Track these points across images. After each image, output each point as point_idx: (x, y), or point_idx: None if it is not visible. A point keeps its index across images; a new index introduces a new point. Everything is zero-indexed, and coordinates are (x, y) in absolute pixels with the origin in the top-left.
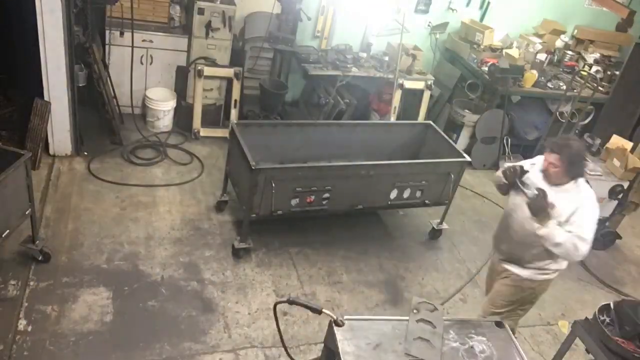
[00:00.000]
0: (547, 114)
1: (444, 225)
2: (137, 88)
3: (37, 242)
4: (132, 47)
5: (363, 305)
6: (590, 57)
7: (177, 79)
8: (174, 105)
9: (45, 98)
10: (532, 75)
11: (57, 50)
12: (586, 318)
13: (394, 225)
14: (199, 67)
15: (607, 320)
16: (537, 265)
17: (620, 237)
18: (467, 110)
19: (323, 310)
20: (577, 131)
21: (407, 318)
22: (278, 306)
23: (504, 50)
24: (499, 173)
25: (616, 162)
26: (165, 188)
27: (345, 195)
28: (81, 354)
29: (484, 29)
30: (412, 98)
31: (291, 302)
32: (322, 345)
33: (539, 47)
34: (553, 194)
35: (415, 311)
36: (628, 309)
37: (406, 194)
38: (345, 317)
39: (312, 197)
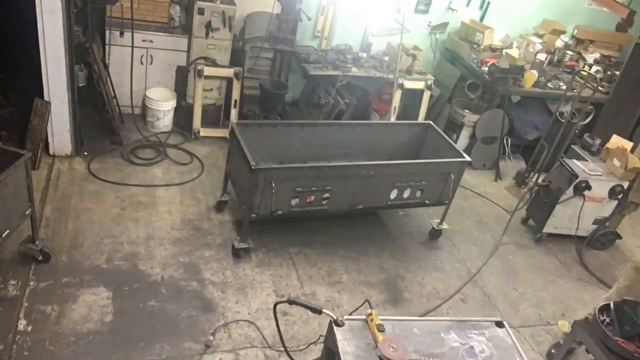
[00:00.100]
0: (547, 114)
1: (444, 225)
2: (137, 88)
3: (37, 242)
4: (132, 47)
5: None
6: (590, 57)
7: (177, 79)
8: (174, 105)
9: (45, 98)
10: (532, 75)
11: (57, 50)
12: (586, 318)
13: (394, 225)
14: (199, 67)
15: (607, 320)
16: None
17: (620, 237)
18: (467, 110)
19: (323, 310)
20: (577, 131)
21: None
22: (278, 306)
23: (504, 50)
24: None
25: (616, 162)
26: (165, 188)
27: (345, 195)
28: (81, 354)
29: (484, 29)
30: (412, 98)
31: (291, 302)
32: (322, 345)
33: (539, 47)
34: None
35: None
36: (628, 309)
37: (406, 194)
38: (345, 317)
39: (312, 197)
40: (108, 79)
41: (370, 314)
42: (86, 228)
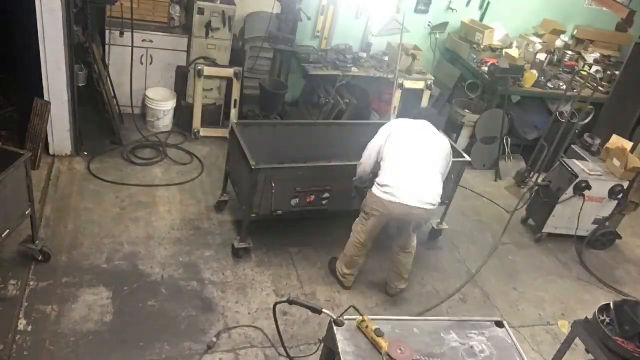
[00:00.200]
0: (547, 114)
1: (444, 225)
2: (137, 88)
3: (37, 242)
4: (132, 47)
5: (363, 305)
6: (590, 57)
7: (177, 79)
8: (174, 105)
9: (45, 98)
10: (532, 75)
11: (57, 50)
12: (586, 318)
13: None
14: (199, 67)
15: (607, 320)
16: None
17: (620, 237)
18: (467, 110)
19: (323, 310)
20: (577, 131)
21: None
22: (278, 306)
23: (504, 50)
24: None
25: (616, 162)
26: (165, 188)
27: (345, 195)
28: (81, 354)
29: (484, 29)
30: (412, 98)
31: (291, 302)
32: (322, 345)
33: (539, 47)
34: None
35: None
36: (628, 309)
37: None
38: (345, 317)
39: (312, 197)
40: (108, 79)
41: (363, 321)
42: (86, 228)
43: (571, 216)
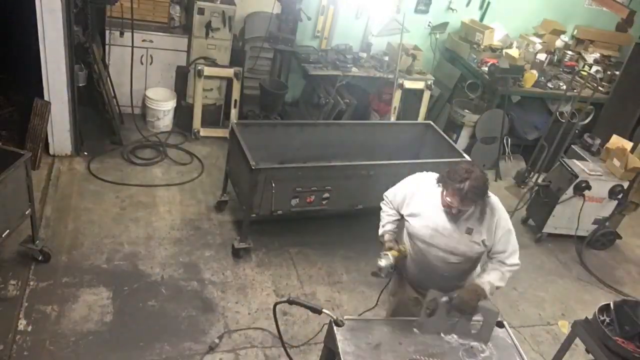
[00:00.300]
0: (547, 114)
1: None
2: (137, 88)
3: (37, 242)
4: (132, 47)
5: (363, 305)
6: (590, 57)
7: (177, 79)
8: (174, 105)
9: (45, 98)
10: (532, 75)
11: (57, 50)
12: (586, 318)
13: None
14: (199, 67)
15: (607, 320)
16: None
17: (620, 237)
18: (467, 110)
19: (323, 310)
20: (577, 131)
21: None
22: (278, 306)
23: (504, 50)
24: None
25: (616, 162)
26: (165, 188)
27: (345, 195)
28: (81, 354)
29: (484, 29)
30: (412, 98)
31: (291, 302)
32: (322, 345)
33: (539, 47)
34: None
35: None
36: (628, 309)
37: None
38: (345, 317)
39: (312, 197)
40: (108, 79)
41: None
42: (86, 228)
43: (571, 216)
